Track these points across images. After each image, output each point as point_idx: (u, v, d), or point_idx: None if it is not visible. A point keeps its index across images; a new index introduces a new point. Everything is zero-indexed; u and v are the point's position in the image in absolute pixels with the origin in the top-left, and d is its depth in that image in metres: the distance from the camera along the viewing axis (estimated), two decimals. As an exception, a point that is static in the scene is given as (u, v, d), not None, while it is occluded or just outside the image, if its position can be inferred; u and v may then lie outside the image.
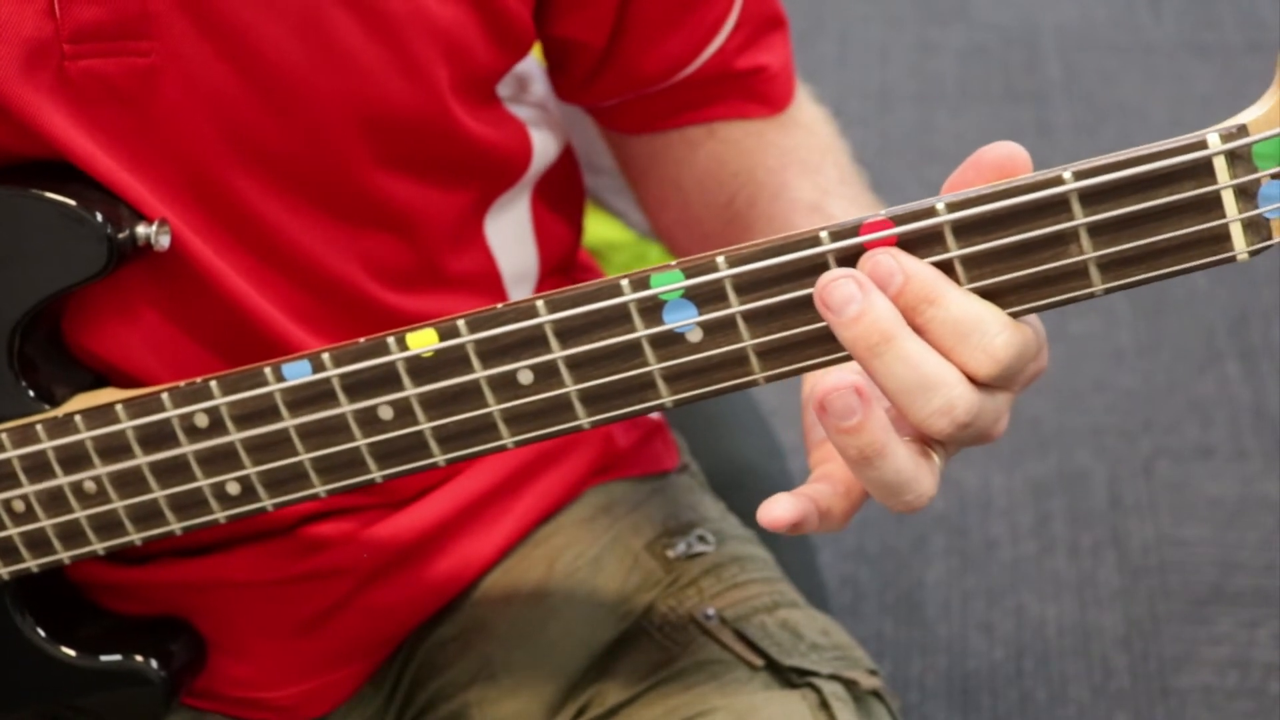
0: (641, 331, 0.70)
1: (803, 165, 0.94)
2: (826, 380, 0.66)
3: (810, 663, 0.90)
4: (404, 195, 0.86)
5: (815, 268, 0.68)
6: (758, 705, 0.87)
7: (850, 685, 0.90)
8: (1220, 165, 0.64)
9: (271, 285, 0.84)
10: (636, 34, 0.91)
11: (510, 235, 0.94)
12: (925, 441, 0.70)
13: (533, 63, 0.97)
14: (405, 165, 0.85)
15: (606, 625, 0.94)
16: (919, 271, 0.67)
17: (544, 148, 0.94)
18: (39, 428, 0.79)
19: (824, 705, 0.87)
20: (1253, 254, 0.65)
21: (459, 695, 0.94)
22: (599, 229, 1.31)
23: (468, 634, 0.96)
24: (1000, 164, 0.67)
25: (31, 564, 0.83)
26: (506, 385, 0.72)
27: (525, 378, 0.72)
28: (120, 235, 0.78)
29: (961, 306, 0.67)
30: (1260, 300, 2.13)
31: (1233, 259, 0.65)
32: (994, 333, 0.67)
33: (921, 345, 0.67)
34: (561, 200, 0.99)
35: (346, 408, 0.75)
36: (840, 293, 0.66)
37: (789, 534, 0.70)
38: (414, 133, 0.84)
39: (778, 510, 0.69)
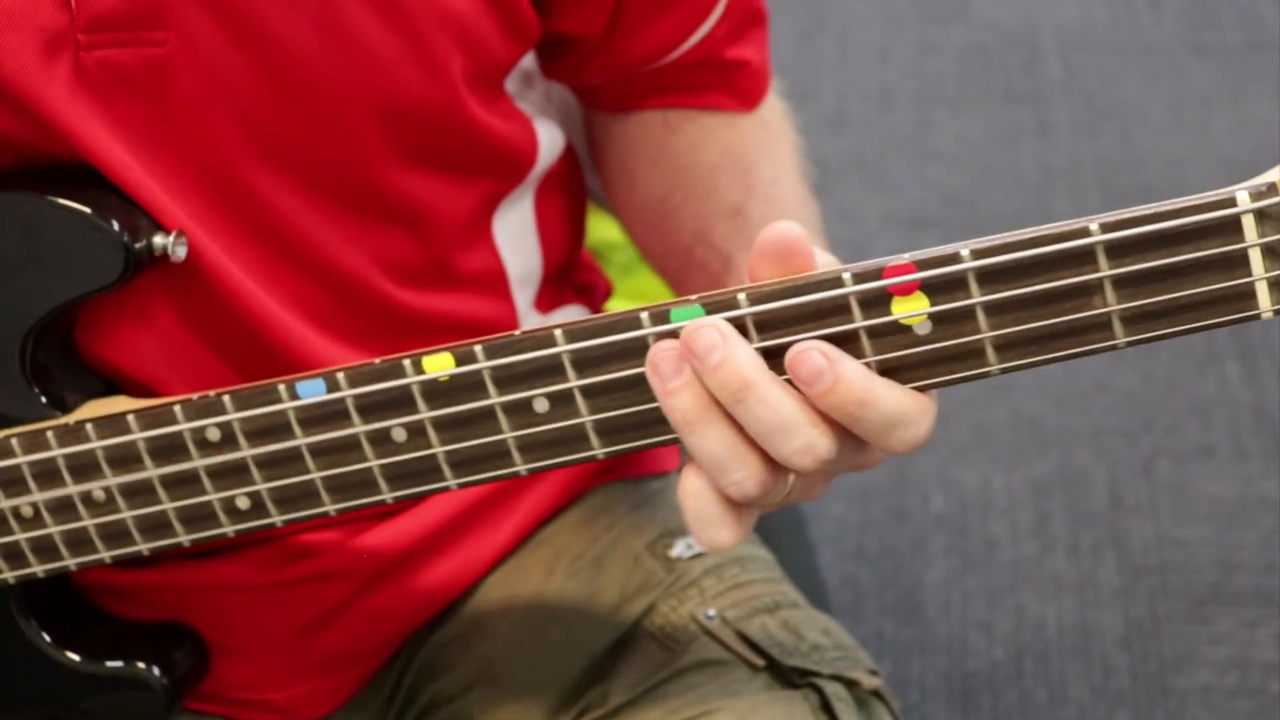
0: None
1: (737, 165, 0.95)
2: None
3: (812, 663, 0.90)
4: (417, 189, 0.86)
5: (837, 309, 0.68)
6: (759, 706, 0.87)
7: (852, 686, 0.90)
8: (1248, 223, 0.64)
9: (283, 281, 0.84)
10: (629, 19, 0.91)
11: (516, 235, 0.95)
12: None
13: (534, 58, 0.97)
14: (419, 158, 0.85)
15: (608, 626, 0.94)
16: (849, 373, 0.67)
17: (549, 143, 0.95)
18: (49, 434, 0.79)
19: (825, 706, 0.87)
20: (1278, 313, 0.65)
21: (459, 698, 0.94)
22: (599, 229, 1.31)
23: (468, 636, 0.96)
24: (777, 244, 0.68)
25: (38, 570, 0.82)
26: (521, 412, 0.72)
27: (541, 406, 0.72)
28: (137, 245, 0.77)
29: (892, 403, 0.68)
30: (1260, 300, 2.13)
31: (1258, 317, 0.65)
32: (918, 424, 0.68)
33: (780, 389, 0.68)
34: (564, 201, 0.99)
35: (360, 428, 0.75)
36: (704, 340, 0.67)
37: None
38: (429, 125, 0.84)
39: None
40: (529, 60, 0.94)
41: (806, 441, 0.68)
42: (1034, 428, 1.99)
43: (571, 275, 1.03)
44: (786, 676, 0.89)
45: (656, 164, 0.97)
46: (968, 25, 2.72)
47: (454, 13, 0.82)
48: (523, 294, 0.96)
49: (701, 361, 0.67)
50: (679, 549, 0.97)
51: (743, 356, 0.67)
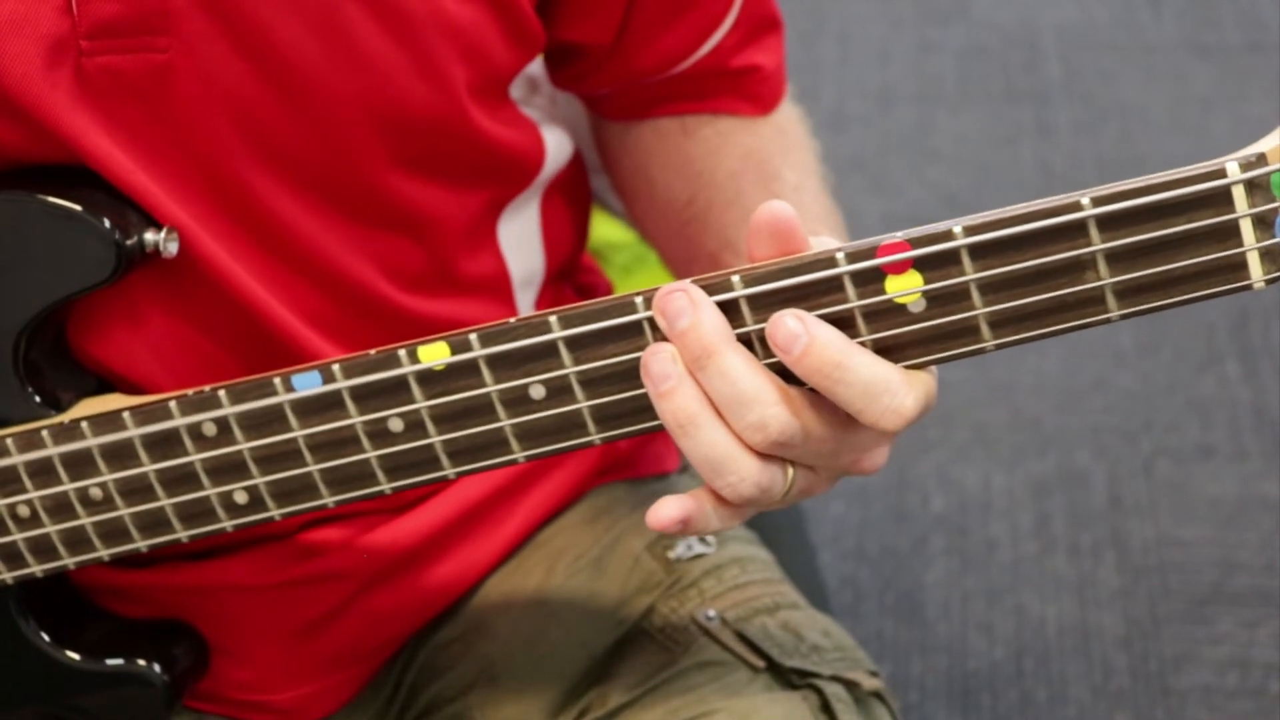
0: None
1: (760, 171, 0.95)
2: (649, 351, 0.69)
3: (811, 664, 0.90)
4: (420, 197, 0.86)
5: (831, 288, 0.68)
6: (759, 706, 0.87)
7: (851, 686, 0.90)
8: (1239, 194, 0.64)
9: (284, 286, 0.84)
10: (638, 29, 0.91)
11: (521, 239, 0.95)
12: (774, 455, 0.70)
13: (541, 64, 0.97)
14: (421, 166, 0.85)
15: (607, 627, 0.94)
16: (824, 336, 0.67)
17: (556, 149, 0.95)
18: (45, 433, 0.79)
19: (825, 707, 0.87)
20: (1269, 283, 0.65)
21: (459, 698, 0.94)
22: (599, 229, 1.31)
23: (469, 636, 0.96)
24: (771, 221, 0.68)
25: (36, 569, 0.82)
26: (518, 400, 0.72)
27: (537, 393, 0.72)
28: (128, 242, 0.78)
29: (870, 366, 0.67)
30: (1260, 300, 2.13)
31: (1249, 287, 0.65)
32: (903, 394, 0.68)
33: (743, 362, 0.68)
34: (569, 204, 0.99)
35: (356, 419, 0.74)
36: (674, 305, 0.68)
37: (680, 532, 0.71)
38: (431, 134, 0.84)
39: (665, 510, 0.71)
40: (535, 66, 0.94)
41: (759, 418, 0.68)
42: (1034, 428, 1.99)
43: (572, 276, 1.03)
44: (786, 677, 0.89)
45: (676, 170, 0.97)
46: (968, 25, 2.72)
47: (456, 23, 0.82)
48: (524, 296, 0.95)
49: (671, 325, 0.68)
50: (679, 550, 0.97)
51: (709, 323, 0.68)
